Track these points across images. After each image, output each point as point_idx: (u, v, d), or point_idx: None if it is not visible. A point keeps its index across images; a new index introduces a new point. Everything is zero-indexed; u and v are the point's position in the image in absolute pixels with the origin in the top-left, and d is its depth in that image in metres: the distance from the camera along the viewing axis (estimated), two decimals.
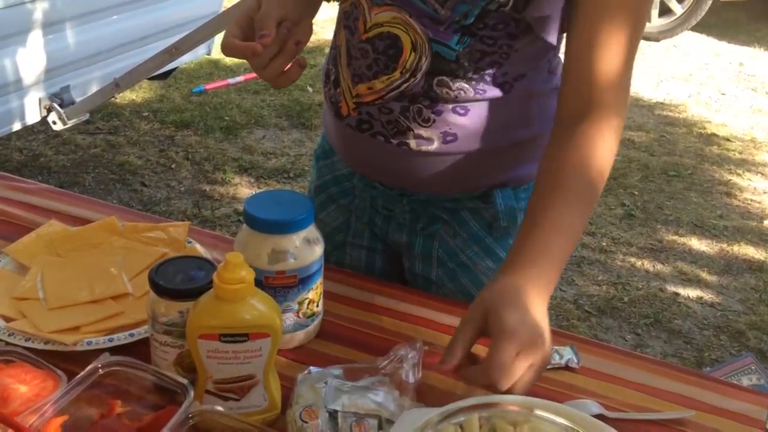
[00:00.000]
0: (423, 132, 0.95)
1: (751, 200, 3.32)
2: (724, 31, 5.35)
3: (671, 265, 2.79)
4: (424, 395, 0.80)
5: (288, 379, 0.80)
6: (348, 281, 1.02)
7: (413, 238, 1.06)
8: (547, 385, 0.87)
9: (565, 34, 0.92)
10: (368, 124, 0.98)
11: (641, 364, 0.91)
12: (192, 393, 0.70)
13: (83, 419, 0.70)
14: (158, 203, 2.90)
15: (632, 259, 2.80)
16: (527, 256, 0.80)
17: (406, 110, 0.94)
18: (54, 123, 2.07)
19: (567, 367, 0.89)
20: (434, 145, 0.96)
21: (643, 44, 5.17)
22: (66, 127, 2.10)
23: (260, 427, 0.69)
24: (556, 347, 0.88)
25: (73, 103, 2.26)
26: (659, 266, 2.78)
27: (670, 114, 4.17)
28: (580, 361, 0.89)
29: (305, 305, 0.88)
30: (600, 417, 0.82)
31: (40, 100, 2.32)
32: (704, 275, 2.75)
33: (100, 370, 0.71)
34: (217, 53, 3.44)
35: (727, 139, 3.90)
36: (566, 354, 0.90)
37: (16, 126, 2.37)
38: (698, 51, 5.09)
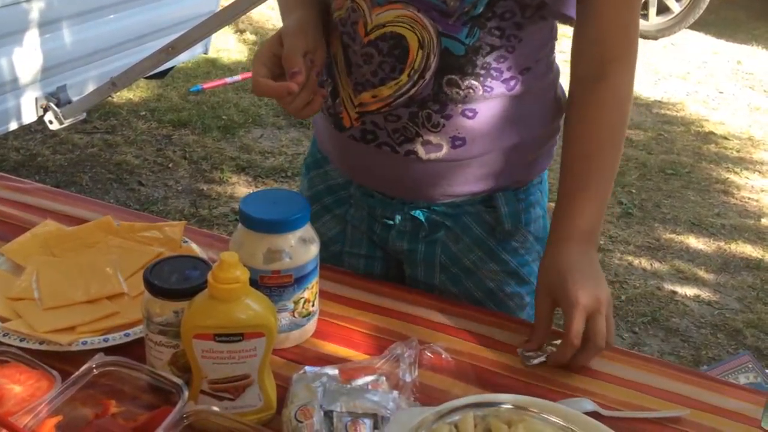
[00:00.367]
0: (432, 138, 0.94)
1: (749, 198, 3.32)
2: (722, 30, 5.36)
3: (669, 264, 2.79)
4: (420, 394, 0.81)
5: (283, 379, 0.80)
6: (344, 280, 1.02)
7: (415, 245, 1.04)
8: (543, 383, 0.87)
9: (558, 24, 0.97)
10: (373, 135, 0.96)
11: (637, 362, 0.92)
12: (187, 393, 0.70)
13: (78, 419, 0.70)
14: (155, 202, 2.90)
15: (630, 258, 2.81)
16: (570, 235, 0.92)
17: (415, 116, 0.93)
18: (51, 122, 2.06)
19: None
20: (443, 151, 0.95)
21: (640, 42, 5.14)
22: (63, 126, 2.10)
23: (255, 427, 0.69)
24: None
25: (69, 102, 2.25)
26: (657, 265, 2.78)
27: (668, 112, 4.17)
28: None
29: (301, 304, 0.88)
30: (595, 415, 0.82)
31: (36, 99, 2.32)
32: (702, 273, 2.75)
33: (94, 370, 0.71)
34: (213, 52, 3.44)
35: (725, 138, 3.90)
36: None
37: (13, 125, 2.37)
38: (696, 49, 5.10)
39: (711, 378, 0.93)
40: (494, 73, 0.92)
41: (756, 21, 5.57)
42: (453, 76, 0.91)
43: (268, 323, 0.73)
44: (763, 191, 3.39)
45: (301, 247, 0.86)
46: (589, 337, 0.87)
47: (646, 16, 5.11)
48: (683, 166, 3.55)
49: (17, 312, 0.89)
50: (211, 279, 0.71)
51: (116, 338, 0.84)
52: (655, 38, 5.15)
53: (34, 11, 2.25)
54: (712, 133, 3.95)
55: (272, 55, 0.90)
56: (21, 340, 0.83)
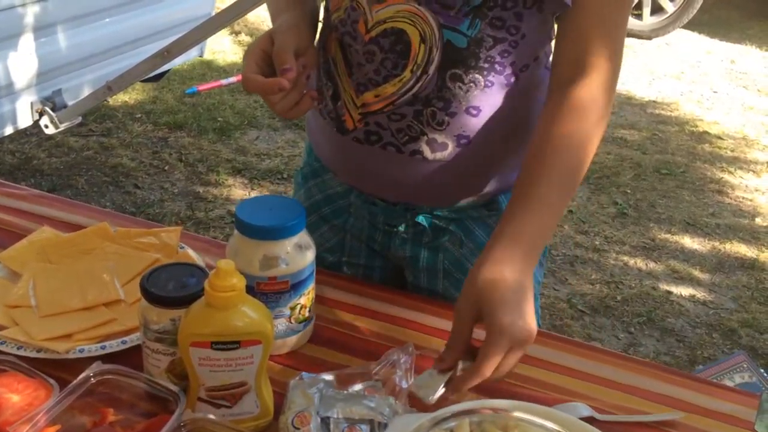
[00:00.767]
0: (437, 136, 0.94)
1: (743, 198, 3.33)
2: (715, 29, 5.37)
3: (664, 264, 2.80)
4: (417, 400, 0.81)
5: (281, 385, 0.81)
6: (341, 285, 1.02)
7: (418, 251, 1.04)
8: (538, 387, 0.87)
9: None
10: (377, 135, 0.96)
11: (631, 365, 0.92)
12: (184, 401, 0.71)
13: (76, 428, 0.70)
14: (151, 205, 2.90)
15: (625, 258, 2.82)
16: (514, 238, 0.82)
17: (420, 114, 0.93)
18: (46, 127, 2.06)
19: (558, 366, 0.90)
20: (448, 150, 0.95)
21: (635, 42, 5.18)
22: (58, 130, 2.09)
23: None
24: None
25: (65, 106, 2.25)
26: (652, 265, 2.79)
27: (663, 112, 4.18)
28: None
29: (297, 310, 0.89)
30: (590, 419, 0.82)
31: (32, 104, 2.31)
32: (697, 273, 2.76)
33: (92, 379, 0.71)
34: (209, 54, 3.44)
35: (719, 137, 3.91)
36: None
37: (8, 130, 2.36)
38: (690, 49, 5.11)
39: (704, 381, 0.93)
40: (497, 67, 0.92)
41: (749, 20, 5.59)
42: (457, 71, 0.91)
43: (265, 330, 0.74)
44: (757, 191, 3.41)
45: (297, 253, 0.87)
46: (478, 361, 0.76)
47: (640, 16, 5.12)
48: (678, 165, 3.56)
49: (14, 320, 0.89)
50: (208, 287, 0.71)
51: (113, 345, 0.85)
52: (650, 38, 5.16)
53: (29, 15, 2.25)
54: (706, 132, 3.96)
55: (263, 53, 0.89)
56: (18, 348, 0.83)
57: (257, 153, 3.33)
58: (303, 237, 0.88)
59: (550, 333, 0.92)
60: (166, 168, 3.17)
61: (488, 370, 0.75)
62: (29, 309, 0.91)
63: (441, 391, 0.77)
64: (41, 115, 2.06)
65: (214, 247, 1.08)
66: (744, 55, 5.04)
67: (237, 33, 4.65)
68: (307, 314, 0.90)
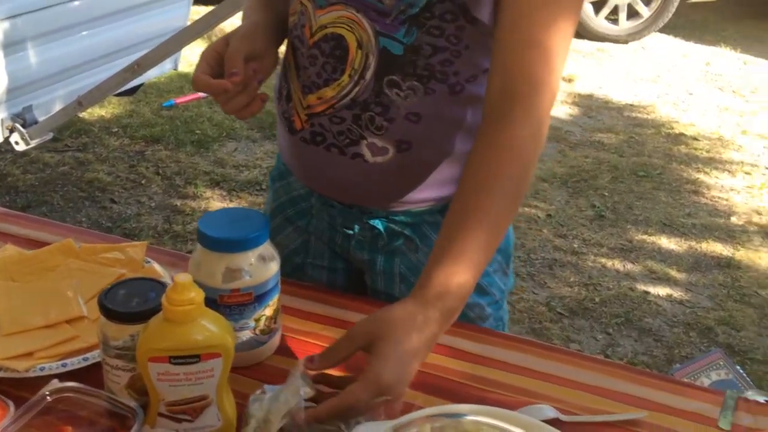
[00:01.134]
0: (377, 141, 0.95)
1: (719, 198, 3.37)
2: (691, 32, 5.44)
3: (641, 265, 2.83)
4: (383, 406, 0.81)
5: (245, 397, 0.80)
6: (306, 294, 1.02)
7: (374, 255, 1.05)
8: (503, 390, 0.88)
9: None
10: (321, 137, 0.98)
11: (597, 366, 0.93)
12: (142, 416, 0.70)
13: None
14: (128, 219, 2.88)
15: (603, 260, 2.84)
16: (437, 284, 0.79)
17: (358, 118, 0.94)
18: (17, 143, 2.05)
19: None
20: (389, 155, 0.96)
21: (611, 47, 5.24)
22: (29, 147, 2.08)
23: None
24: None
25: (36, 122, 2.24)
26: (629, 266, 2.82)
27: (639, 115, 4.23)
28: None
29: (262, 322, 0.88)
30: (555, 421, 0.83)
31: (2, 120, 2.30)
32: (673, 273, 2.79)
33: (48, 397, 0.71)
34: (184, 67, 3.42)
35: (695, 138, 3.96)
36: None
37: None
38: (666, 52, 5.17)
39: (670, 379, 0.94)
40: (439, 76, 0.92)
41: (724, 22, 5.67)
42: (394, 77, 0.92)
43: (225, 343, 0.73)
44: (732, 190, 3.45)
45: (261, 264, 0.86)
46: (342, 395, 0.74)
47: (616, 21, 5.19)
48: (654, 167, 3.60)
49: None
50: (165, 301, 0.71)
51: (74, 363, 0.84)
52: (626, 42, 5.22)
53: None
54: (682, 134, 4.01)
55: (216, 54, 0.94)
56: None
57: (235, 165, 3.32)
58: (267, 248, 0.88)
59: (514, 336, 0.93)
60: (143, 182, 3.15)
61: (354, 411, 0.73)
62: None
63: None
64: (11, 131, 2.04)
65: (182, 261, 1.08)
66: (719, 56, 5.11)
67: None
68: (272, 325, 0.90)
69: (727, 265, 2.85)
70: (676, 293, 2.67)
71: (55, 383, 0.72)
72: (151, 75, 2.71)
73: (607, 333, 2.44)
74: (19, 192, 3.01)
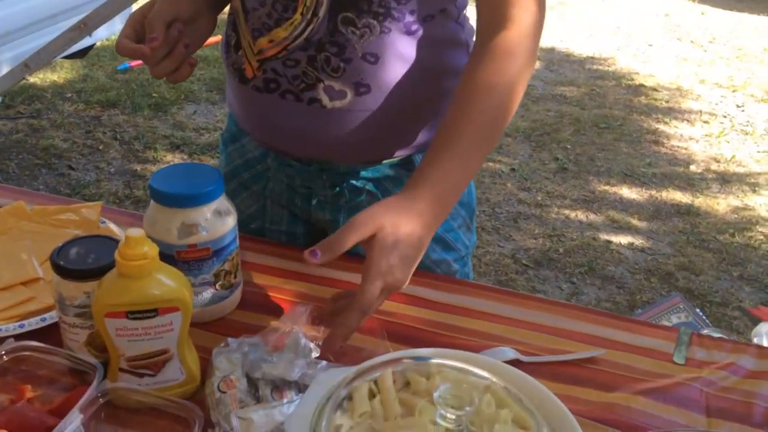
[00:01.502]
0: (334, 84, 0.93)
1: (678, 147, 3.43)
2: None
3: (603, 215, 2.88)
4: (343, 355, 0.82)
5: (209, 352, 0.80)
6: (266, 250, 1.02)
7: (337, 214, 1.04)
8: (465, 335, 0.89)
9: None
10: (275, 83, 0.95)
11: (556, 308, 0.95)
12: (102, 372, 0.70)
13: None
14: (87, 186, 2.82)
15: (566, 211, 2.88)
16: (434, 185, 0.83)
17: (314, 60, 0.92)
18: None
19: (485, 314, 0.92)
20: (347, 99, 0.93)
21: (573, 0, 5.23)
22: None
23: (174, 400, 0.69)
24: None
25: None
26: (592, 216, 2.86)
27: (600, 67, 4.25)
28: None
29: (222, 277, 0.88)
30: (516, 362, 0.85)
31: None
32: (635, 222, 2.84)
33: (4, 357, 0.69)
34: None
35: (655, 89, 4.01)
36: None
37: None
38: (626, 3, 5.19)
39: (627, 319, 0.96)
40: (395, 14, 0.90)
41: None
42: (348, 14, 0.90)
43: (182, 297, 0.73)
44: (691, 139, 3.51)
45: (217, 219, 0.85)
46: (356, 299, 0.76)
47: None
48: (615, 119, 3.64)
49: None
50: (118, 257, 0.70)
51: (32, 323, 0.83)
52: None
53: None
54: (642, 85, 4.05)
55: (142, 18, 0.91)
56: None
57: (195, 128, 3.27)
58: (222, 203, 0.86)
59: (472, 282, 0.94)
60: (101, 147, 3.08)
61: (369, 306, 0.75)
62: None
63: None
64: None
65: (138, 221, 1.06)
66: (678, 7, 5.15)
67: None
68: (233, 280, 0.90)
69: (686, 212, 2.91)
70: (638, 241, 2.73)
71: (11, 342, 0.71)
72: (102, 35, 2.62)
73: (571, 282, 2.49)
74: None
